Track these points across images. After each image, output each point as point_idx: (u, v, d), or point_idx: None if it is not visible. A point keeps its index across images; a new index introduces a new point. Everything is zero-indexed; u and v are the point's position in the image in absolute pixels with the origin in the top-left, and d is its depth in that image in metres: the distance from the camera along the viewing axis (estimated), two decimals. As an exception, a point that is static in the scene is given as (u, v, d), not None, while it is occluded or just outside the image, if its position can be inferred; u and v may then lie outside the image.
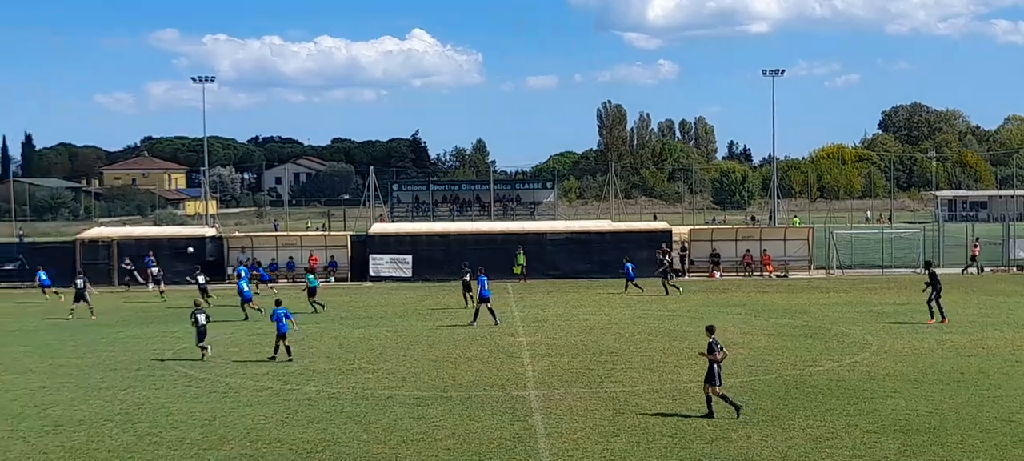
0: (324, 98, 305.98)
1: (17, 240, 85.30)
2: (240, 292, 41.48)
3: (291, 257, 58.48)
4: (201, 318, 31.40)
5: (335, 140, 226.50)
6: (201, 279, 46.09)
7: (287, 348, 30.61)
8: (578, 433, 21.37)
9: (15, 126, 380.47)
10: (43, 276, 50.02)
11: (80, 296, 42.89)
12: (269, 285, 49.52)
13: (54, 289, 49.14)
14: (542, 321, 39.05)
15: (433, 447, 20.54)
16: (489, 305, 38.02)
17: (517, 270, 54.92)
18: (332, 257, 58.54)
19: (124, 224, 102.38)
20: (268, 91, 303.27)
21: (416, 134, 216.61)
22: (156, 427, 22.53)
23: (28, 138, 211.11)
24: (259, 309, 40.88)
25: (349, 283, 56.36)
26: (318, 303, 42.87)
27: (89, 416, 23.75)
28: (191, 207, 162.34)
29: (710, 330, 23.60)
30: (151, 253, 55.33)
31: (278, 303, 31.75)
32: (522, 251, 55.57)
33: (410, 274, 56.19)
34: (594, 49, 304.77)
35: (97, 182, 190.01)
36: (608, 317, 39.98)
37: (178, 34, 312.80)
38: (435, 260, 55.68)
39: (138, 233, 66.29)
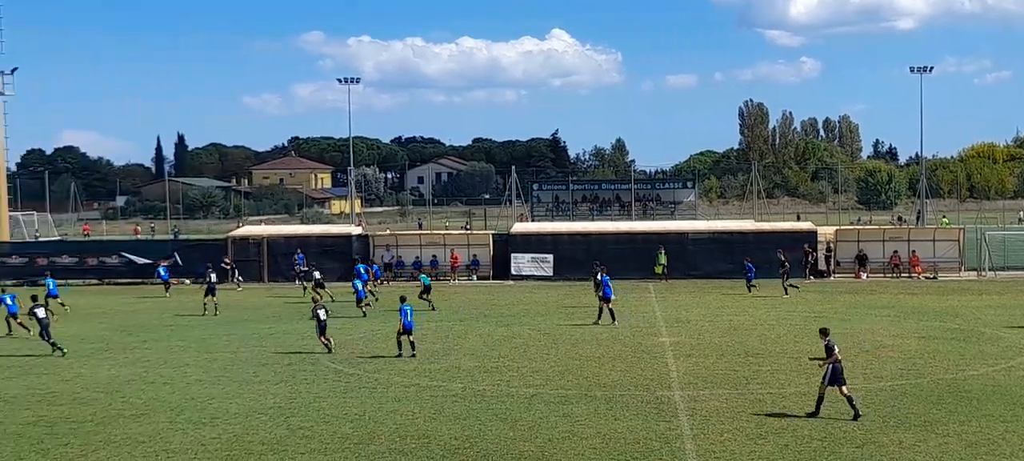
0: (465, 98, 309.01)
1: (172, 238, 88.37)
2: (355, 290, 42.54)
3: (434, 255, 59.24)
4: (321, 313, 32.45)
5: (476, 140, 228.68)
6: (317, 275, 47.52)
7: (399, 342, 31.37)
8: (725, 435, 21.23)
9: (169, 127, 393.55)
10: (162, 271, 52.66)
11: (211, 290, 44.00)
12: (381, 282, 50.49)
13: (172, 283, 52.16)
14: (685, 322, 38.81)
15: (579, 446, 20.63)
16: (609, 305, 38.14)
17: (658, 270, 54.62)
18: (475, 256, 59.10)
19: (264, 222, 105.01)
20: (410, 92, 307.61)
21: (556, 134, 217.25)
22: (308, 421, 23.12)
23: (181, 138, 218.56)
24: (367, 307, 41.96)
25: (491, 282, 56.83)
26: (430, 302, 43.47)
27: (243, 409, 24.48)
28: (336, 206, 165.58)
29: (824, 332, 23.55)
30: (300, 251, 56.64)
31: (403, 300, 32.46)
32: (663, 251, 55.26)
33: (551, 273, 56.41)
34: (735, 47, 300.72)
35: (246, 181, 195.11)
36: (752, 318, 39.53)
37: (323, 36, 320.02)
38: (576, 259, 55.67)
39: (287, 231, 67.94)
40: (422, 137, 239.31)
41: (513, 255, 57.46)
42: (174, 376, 29.04)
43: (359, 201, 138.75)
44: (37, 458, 20.59)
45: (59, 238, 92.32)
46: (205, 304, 43.31)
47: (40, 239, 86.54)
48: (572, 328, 37.26)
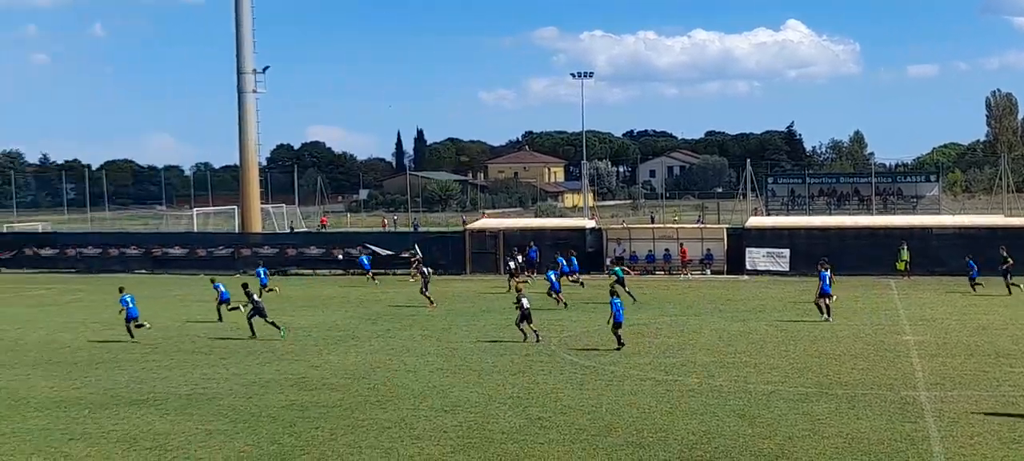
0: (697, 91, 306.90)
1: (412, 229, 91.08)
2: (549, 281, 43.00)
3: (667, 249, 59.01)
4: (525, 302, 33.21)
5: (708, 133, 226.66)
6: (511, 265, 48.69)
7: (617, 336, 31.60)
8: (975, 438, 20.42)
9: (408, 122, 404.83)
10: (364, 260, 55.41)
11: (427, 285, 44.55)
12: (571, 278, 50.65)
13: (372, 274, 54.47)
14: (930, 320, 37.46)
15: (820, 444, 20.23)
16: (817, 300, 37.70)
17: (900, 266, 52.84)
18: (708, 250, 58.50)
19: (488, 214, 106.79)
20: (642, 85, 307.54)
21: (791, 126, 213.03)
22: (546, 412, 23.46)
23: (420, 133, 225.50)
24: (561, 298, 42.55)
25: (725, 276, 56.17)
26: (630, 294, 43.36)
27: (483, 398, 25.04)
28: (569, 199, 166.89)
29: None
30: (533, 243, 57.39)
31: (613, 293, 32.74)
32: (906, 246, 53.43)
33: (787, 268, 55.29)
34: (980, 35, 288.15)
35: (482, 175, 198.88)
36: (1003, 317, 37.78)
37: (557, 31, 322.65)
38: (813, 254, 53.87)
39: (522, 224, 68.97)
40: (654, 130, 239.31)
41: (748, 249, 56.63)
42: (417, 364, 29.95)
43: (592, 195, 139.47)
44: (291, 440, 21.59)
45: (307, 230, 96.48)
46: (429, 298, 43.76)
47: (295, 230, 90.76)
48: (810, 325, 36.47)
